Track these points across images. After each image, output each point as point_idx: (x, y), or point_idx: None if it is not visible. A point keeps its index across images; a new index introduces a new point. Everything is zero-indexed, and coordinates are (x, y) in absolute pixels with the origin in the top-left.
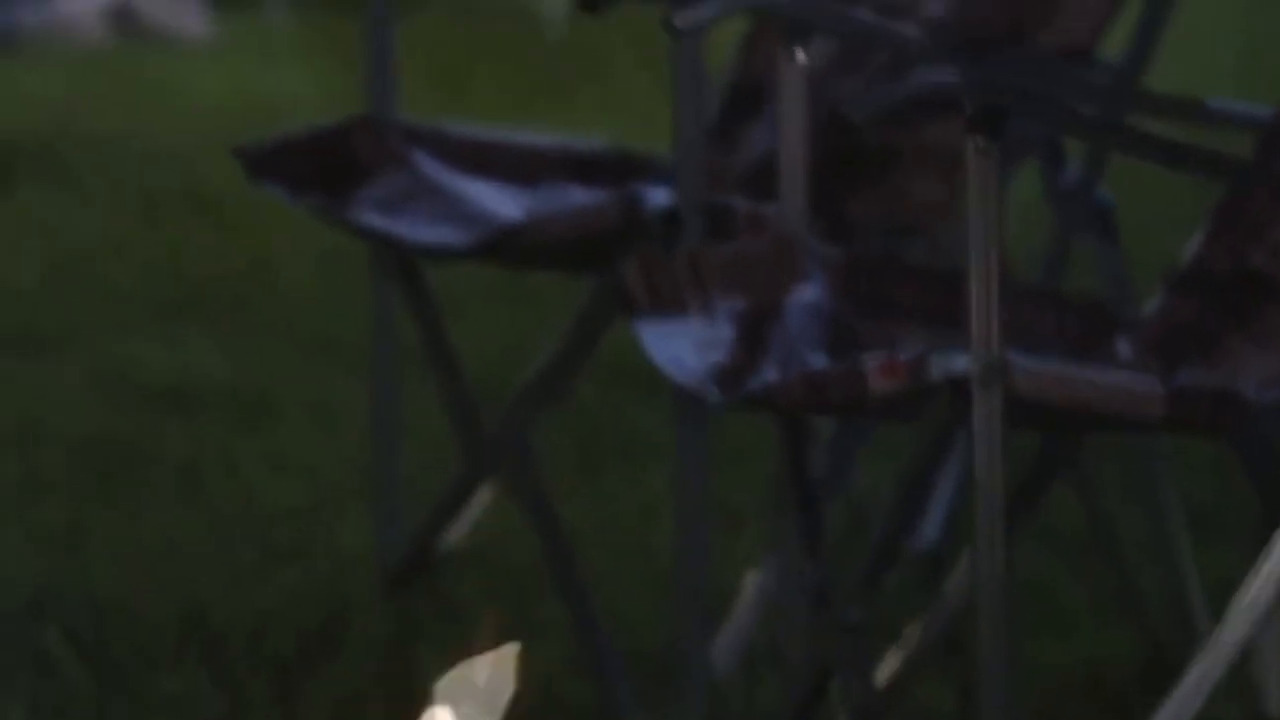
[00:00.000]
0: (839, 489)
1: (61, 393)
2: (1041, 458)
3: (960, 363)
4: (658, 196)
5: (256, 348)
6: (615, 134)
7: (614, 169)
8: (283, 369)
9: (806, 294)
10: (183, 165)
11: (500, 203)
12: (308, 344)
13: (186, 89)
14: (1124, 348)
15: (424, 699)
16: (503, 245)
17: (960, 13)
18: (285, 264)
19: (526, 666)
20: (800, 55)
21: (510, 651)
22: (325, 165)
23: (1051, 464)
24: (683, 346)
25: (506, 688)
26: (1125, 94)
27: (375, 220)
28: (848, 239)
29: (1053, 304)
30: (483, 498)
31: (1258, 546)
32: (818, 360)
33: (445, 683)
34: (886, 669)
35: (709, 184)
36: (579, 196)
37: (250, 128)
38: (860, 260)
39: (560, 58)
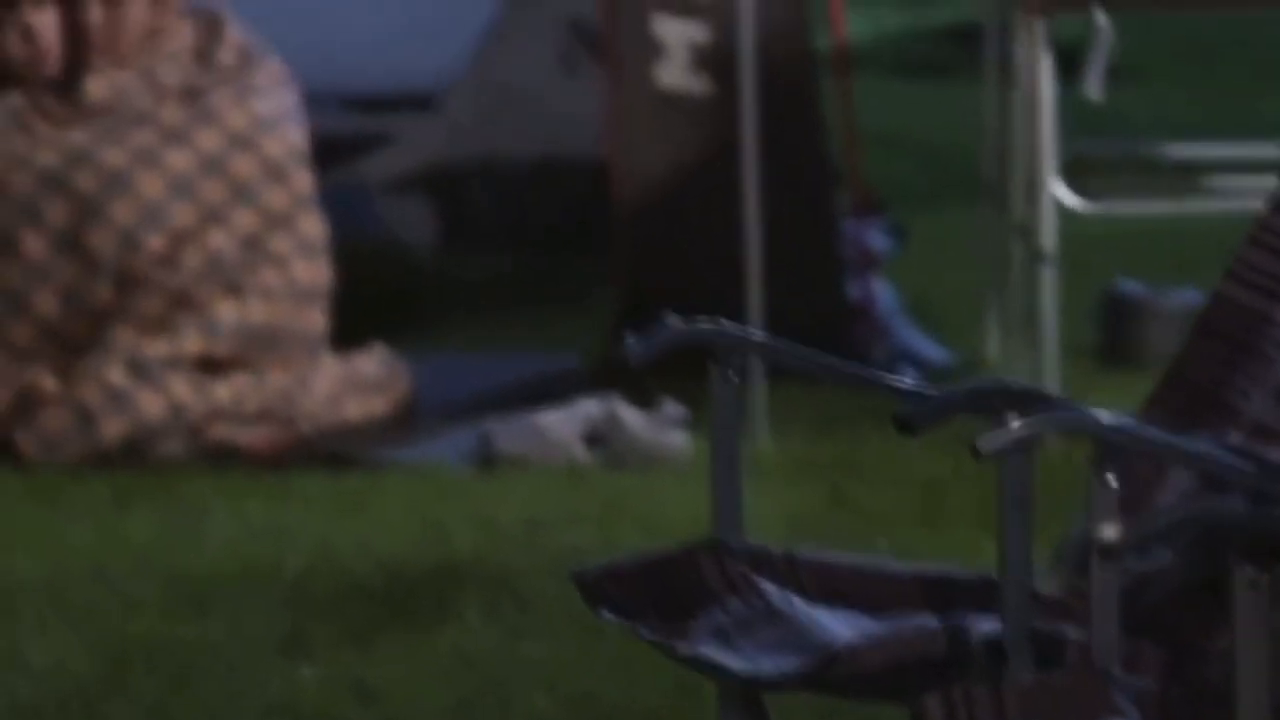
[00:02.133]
0: None
1: None
2: None
3: None
4: (988, 625)
5: None
6: None
7: (974, 596)
8: None
9: None
10: None
11: (840, 631)
12: None
13: (657, 509)
14: None
15: None
16: (826, 675)
17: None
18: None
19: None
20: (1111, 480)
21: None
22: (664, 590)
23: None
24: None
25: None
26: None
27: (708, 651)
28: (1199, 670)
29: None
30: None
31: None
32: None
33: None
34: None
35: (1068, 607)
36: (926, 625)
37: None
38: (1178, 693)
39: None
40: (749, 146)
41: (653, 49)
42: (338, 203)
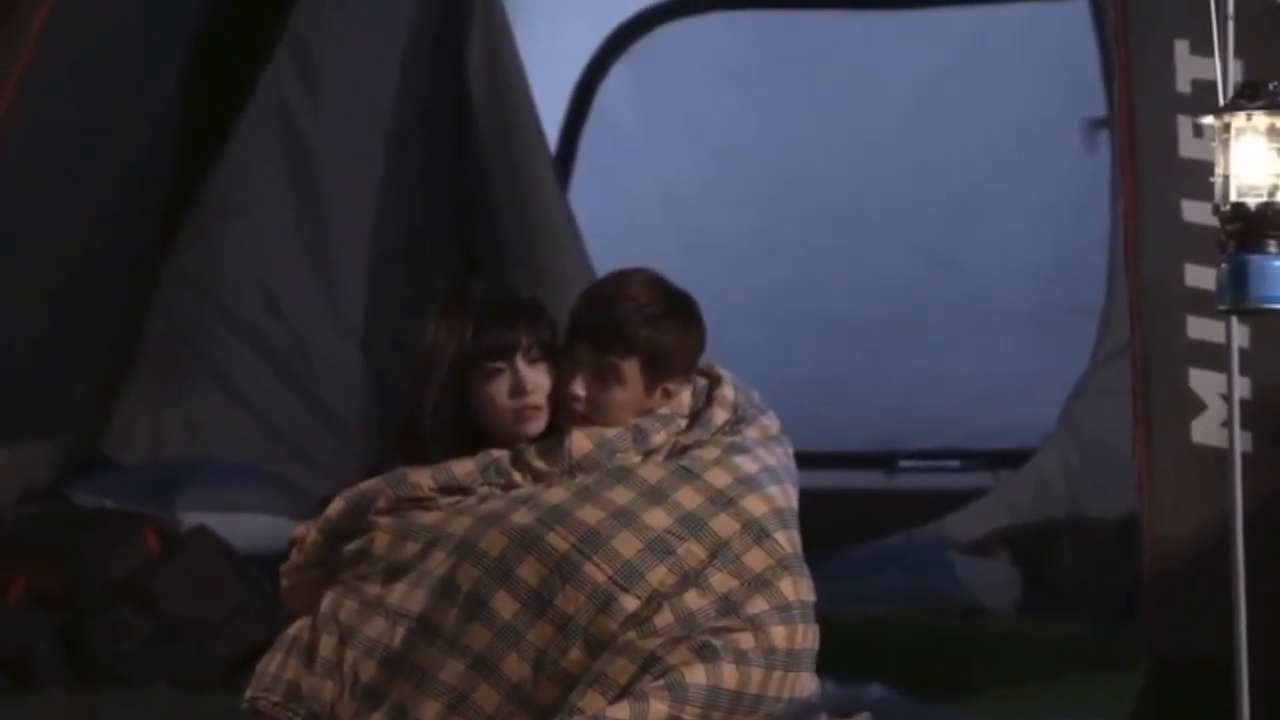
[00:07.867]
0: None
1: None
2: None
3: None
4: None
5: None
6: None
7: None
8: None
9: None
10: None
11: None
12: None
13: None
14: None
15: None
16: None
17: None
18: None
19: None
20: None
21: None
22: None
23: None
24: None
25: None
26: None
27: None
28: None
29: None
30: None
31: None
32: None
33: None
34: None
35: None
36: None
37: None
38: None
39: None
40: (1235, 506)
41: (1188, 404)
42: (916, 559)
